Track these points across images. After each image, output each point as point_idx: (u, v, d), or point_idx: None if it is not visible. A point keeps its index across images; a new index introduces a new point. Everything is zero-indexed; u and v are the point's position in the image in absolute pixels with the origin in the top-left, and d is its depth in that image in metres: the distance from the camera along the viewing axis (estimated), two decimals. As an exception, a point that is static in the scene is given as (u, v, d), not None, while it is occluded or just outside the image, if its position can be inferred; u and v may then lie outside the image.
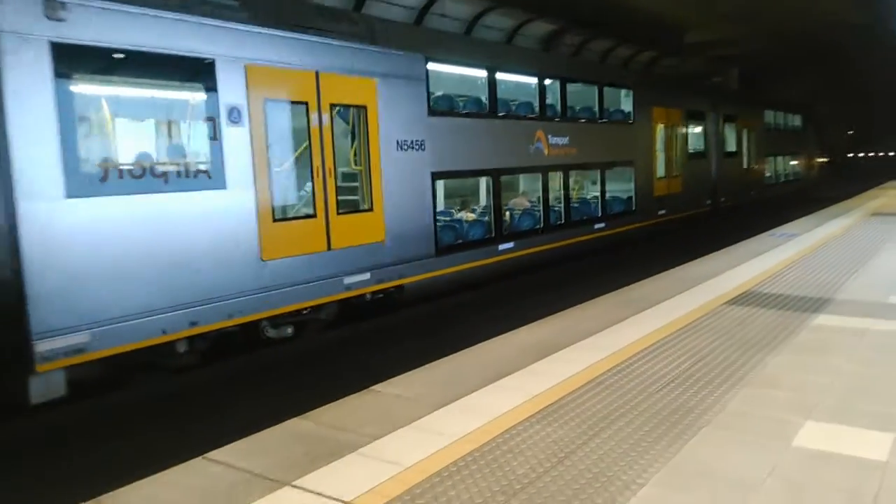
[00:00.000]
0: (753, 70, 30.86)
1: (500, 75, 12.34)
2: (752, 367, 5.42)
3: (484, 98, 12.18)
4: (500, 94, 12.34)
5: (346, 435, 4.42)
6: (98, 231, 6.62)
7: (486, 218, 12.31)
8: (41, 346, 6.16)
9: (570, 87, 14.13)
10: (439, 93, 11.39)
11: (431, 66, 10.64)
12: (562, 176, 13.96)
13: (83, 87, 6.77)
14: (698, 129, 20.10)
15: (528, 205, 14.05)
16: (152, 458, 4.85)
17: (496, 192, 12.20)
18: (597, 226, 15.04)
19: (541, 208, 13.46)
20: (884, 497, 3.42)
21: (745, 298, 7.90)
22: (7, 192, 6.06)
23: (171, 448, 5.48)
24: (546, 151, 13.38)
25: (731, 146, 22.48)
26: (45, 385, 6.26)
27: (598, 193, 15.47)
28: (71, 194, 6.41)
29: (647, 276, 9.52)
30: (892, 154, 69.90)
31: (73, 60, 6.46)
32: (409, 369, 5.76)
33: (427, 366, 5.91)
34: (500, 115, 12.38)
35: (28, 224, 6.15)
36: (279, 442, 4.38)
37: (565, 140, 13.87)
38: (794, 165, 30.79)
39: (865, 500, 3.40)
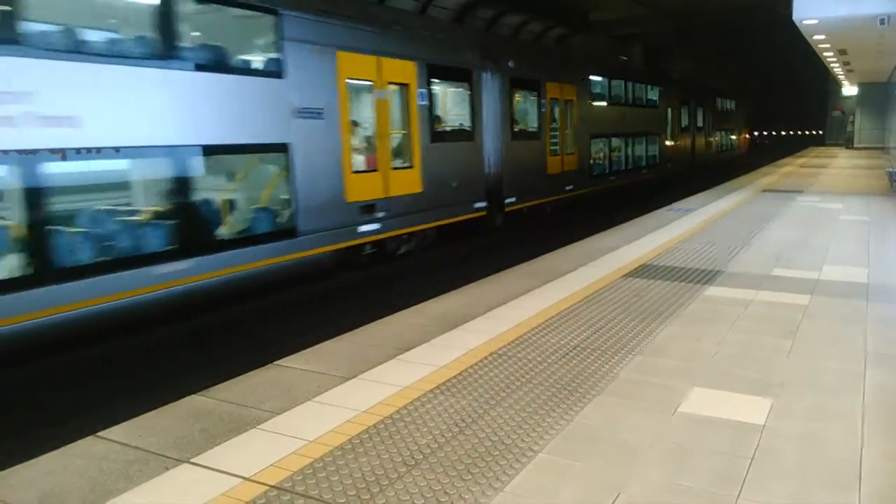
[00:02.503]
0: (655, 49, 32.00)
1: (612, 80, 21.75)
2: (645, 337, 5.69)
3: (605, 92, 21.07)
4: (611, 91, 21.61)
5: (247, 411, 4.36)
6: (515, 156, 15.14)
7: (604, 161, 21.00)
8: (506, 202, 14.81)
9: (636, 85, 23.68)
10: (591, 90, 19.97)
11: (591, 76, 19.94)
12: (632, 139, 23.24)
13: (516, 94, 15.55)
14: (686, 112, 29.81)
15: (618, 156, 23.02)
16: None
17: (609, 146, 21.30)
18: (643, 171, 24.39)
19: (623, 158, 22.53)
20: (759, 458, 3.68)
21: (643, 271, 8.27)
22: (502, 137, 14.58)
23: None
24: (625, 124, 22.51)
25: (701, 123, 32.60)
26: (499, 219, 14.73)
27: (644, 152, 24.44)
28: (513, 139, 15.08)
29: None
30: (783, 134, 74.25)
31: (513, 84, 15.14)
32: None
33: (334, 339, 5.89)
34: (612, 103, 21.49)
35: (505, 153, 14.69)
36: (177, 419, 4.27)
37: (632, 117, 23.33)
38: (731, 139, 41.91)
39: (743, 461, 3.65)
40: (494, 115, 14.36)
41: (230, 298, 8.98)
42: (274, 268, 9.08)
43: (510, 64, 14.85)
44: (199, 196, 8.34)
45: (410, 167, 11.73)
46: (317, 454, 3.78)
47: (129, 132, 7.36)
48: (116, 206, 8.16)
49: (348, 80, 10.23)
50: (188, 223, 8.04)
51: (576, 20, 24.83)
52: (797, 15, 14.50)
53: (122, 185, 8.27)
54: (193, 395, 4.64)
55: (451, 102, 14.06)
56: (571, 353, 5.31)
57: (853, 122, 45.82)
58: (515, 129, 15.36)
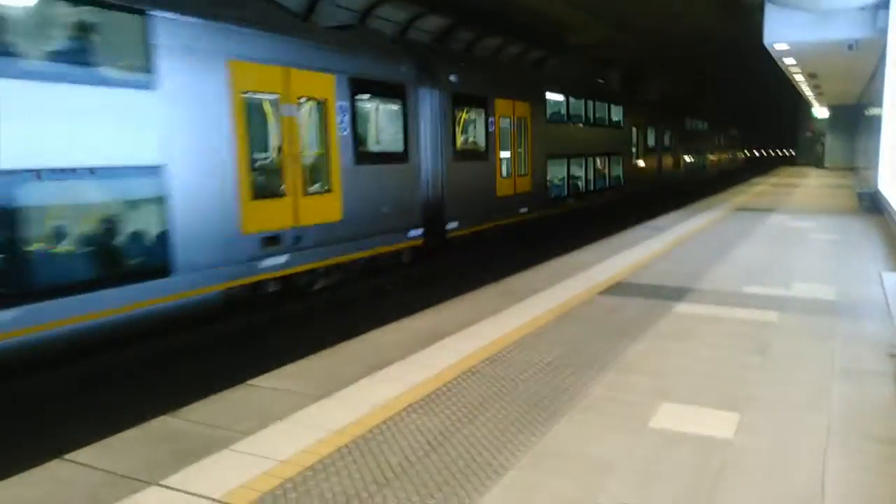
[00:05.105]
0: (632, 73, 32.62)
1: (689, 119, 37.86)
2: (618, 354, 5.74)
3: (687, 127, 36.69)
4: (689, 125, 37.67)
5: (218, 431, 4.33)
6: (663, 161, 31.83)
7: (684, 166, 35.55)
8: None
9: (700, 121, 41.08)
10: (684, 126, 36.30)
11: (685, 118, 36.71)
12: (695, 154, 38.49)
13: (658, 131, 31.28)
14: (716, 136, 46.56)
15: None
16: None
17: (686, 157, 36.03)
18: (699, 172, 39.30)
19: (693, 164, 37.60)
20: (727, 473, 3.73)
21: (617, 289, 8.34)
22: (660, 153, 31.12)
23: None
24: (692, 145, 37.81)
25: (722, 144, 49.76)
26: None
27: (699, 161, 39.39)
28: (663, 154, 31.75)
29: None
30: (756, 154, 75.84)
31: (654, 127, 30.71)
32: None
33: (309, 357, 5.87)
34: (690, 132, 37.30)
35: (661, 161, 31.29)
36: (146, 441, 4.23)
37: (696, 140, 39.31)
38: (737, 155, 60.48)
39: (710, 475, 3.70)
40: (657, 142, 29.79)
41: (598, 211, 21.18)
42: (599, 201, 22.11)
43: (655, 119, 29.46)
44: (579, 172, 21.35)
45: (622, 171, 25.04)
46: (288, 474, 3.76)
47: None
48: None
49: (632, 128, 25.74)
50: (576, 183, 20.76)
51: (553, 43, 25.17)
52: (768, 39, 14.85)
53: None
54: (164, 416, 4.59)
55: (640, 136, 27.39)
56: (546, 370, 5.34)
57: (823, 144, 46.78)
58: (662, 147, 30.68)
